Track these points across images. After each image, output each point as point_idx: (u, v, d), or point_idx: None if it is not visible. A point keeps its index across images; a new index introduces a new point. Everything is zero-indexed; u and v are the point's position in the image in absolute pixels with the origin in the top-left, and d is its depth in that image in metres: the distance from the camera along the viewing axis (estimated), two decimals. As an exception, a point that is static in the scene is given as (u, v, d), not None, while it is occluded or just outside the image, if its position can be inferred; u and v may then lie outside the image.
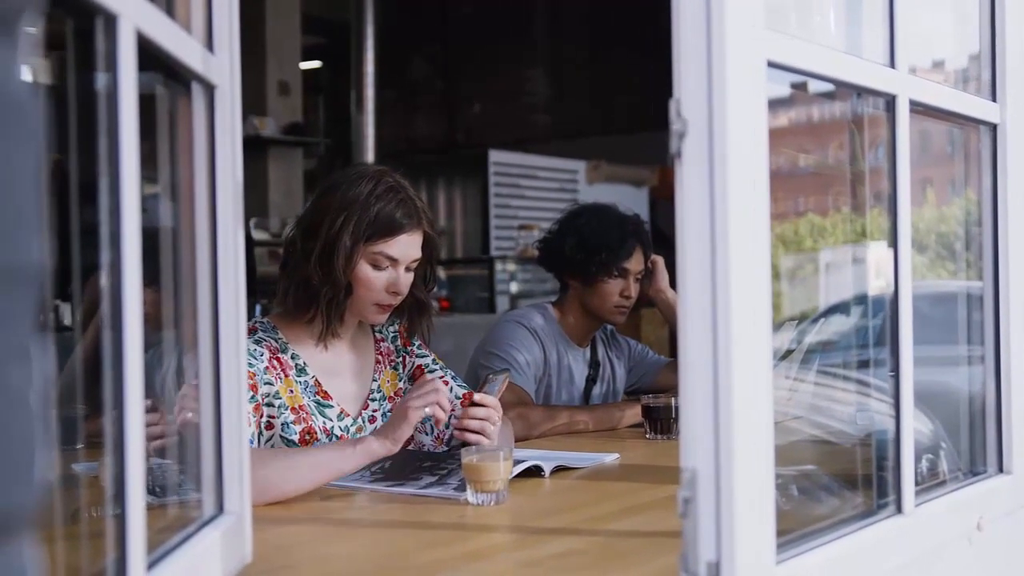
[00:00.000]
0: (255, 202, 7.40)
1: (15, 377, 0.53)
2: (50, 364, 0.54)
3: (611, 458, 2.35)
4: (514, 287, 7.45)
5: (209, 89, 1.35)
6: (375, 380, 2.36)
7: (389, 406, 2.35)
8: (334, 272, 2.17)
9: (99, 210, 1.01)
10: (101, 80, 1.01)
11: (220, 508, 1.37)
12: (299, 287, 2.22)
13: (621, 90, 9.07)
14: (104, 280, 1.00)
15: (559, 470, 2.18)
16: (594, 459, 2.32)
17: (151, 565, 1.08)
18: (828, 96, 1.70)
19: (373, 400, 2.35)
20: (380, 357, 2.39)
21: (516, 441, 2.63)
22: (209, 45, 1.35)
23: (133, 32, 1.02)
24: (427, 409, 1.98)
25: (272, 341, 2.22)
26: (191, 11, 1.32)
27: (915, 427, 1.55)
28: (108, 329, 0.99)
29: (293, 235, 2.26)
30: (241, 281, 1.40)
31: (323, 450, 2.03)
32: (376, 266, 2.20)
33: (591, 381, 3.13)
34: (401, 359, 2.42)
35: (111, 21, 0.99)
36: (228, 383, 1.38)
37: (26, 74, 0.55)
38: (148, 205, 1.09)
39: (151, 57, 1.11)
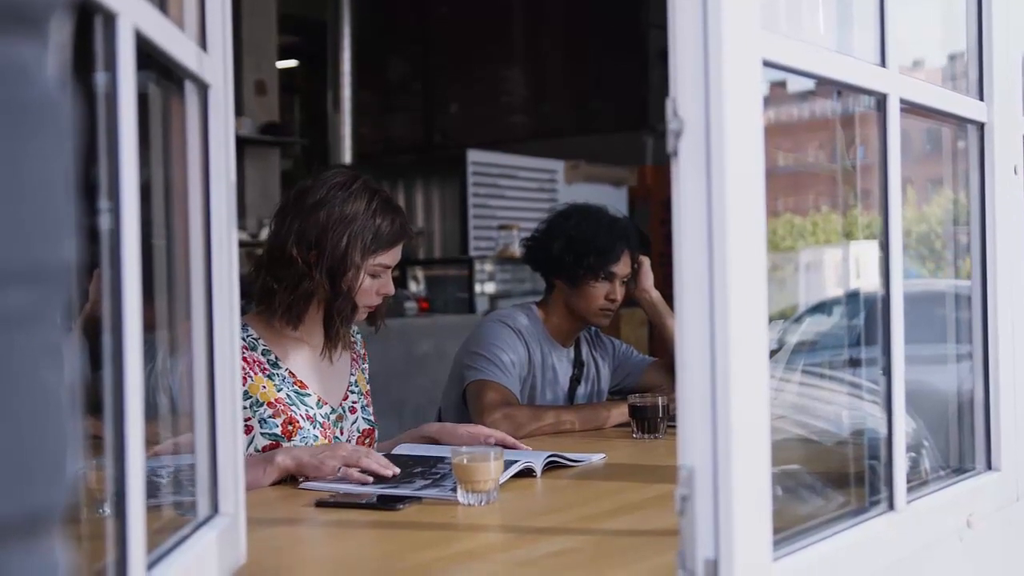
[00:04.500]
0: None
1: (49, 377, 0.52)
2: (80, 363, 0.54)
3: (598, 458, 2.35)
4: (493, 287, 7.44)
5: (203, 88, 1.34)
6: (352, 375, 2.43)
7: (365, 401, 2.44)
8: (345, 287, 2.24)
9: (97, 209, 1.00)
10: (100, 79, 1.00)
11: (215, 509, 1.36)
12: (303, 300, 2.23)
13: (599, 90, 9.09)
14: (103, 280, 0.99)
15: (551, 468, 2.19)
16: (583, 458, 2.32)
17: (150, 566, 1.07)
18: (808, 95, 1.70)
19: (352, 392, 2.41)
20: (354, 355, 2.46)
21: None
22: (203, 44, 1.34)
23: (132, 31, 1.02)
24: (340, 472, 2.02)
25: (240, 340, 2.22)
26: (184, 10, 1.32)
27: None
28: (108, 332, 0.99)
29: (284, 243, 2.24)
30: (235, 282, 1.39)
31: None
32: (374, 275, 2.29)
33: (575, 381, 3.12)
34: (365, 365, 2.52)
35: (110, 20, 0.98)
36: (222, 385, 1.37)
37: (56, 72, 0.54)
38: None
39: (146, 56, 1.10)
